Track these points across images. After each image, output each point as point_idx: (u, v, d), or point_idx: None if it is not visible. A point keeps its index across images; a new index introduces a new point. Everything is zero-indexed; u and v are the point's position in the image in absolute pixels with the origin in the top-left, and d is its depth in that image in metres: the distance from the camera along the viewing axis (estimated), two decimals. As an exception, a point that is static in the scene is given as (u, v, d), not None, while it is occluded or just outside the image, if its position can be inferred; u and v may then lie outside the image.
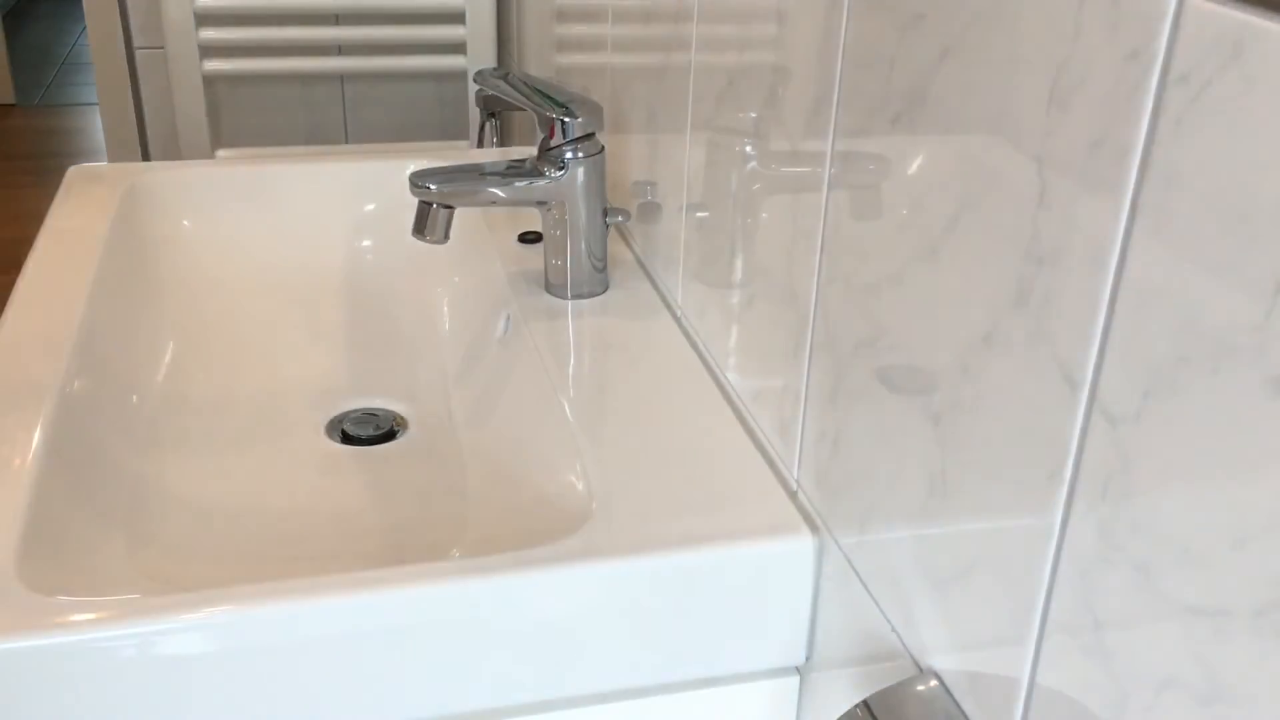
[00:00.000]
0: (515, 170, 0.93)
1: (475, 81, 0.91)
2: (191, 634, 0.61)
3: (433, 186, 0.89)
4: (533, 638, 0.66)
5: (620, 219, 0.97)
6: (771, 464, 0.75)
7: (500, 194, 0.93)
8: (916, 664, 0.59)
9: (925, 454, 0.56)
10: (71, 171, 1.15)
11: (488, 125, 1.79)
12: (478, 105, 1.83)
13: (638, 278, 1.01)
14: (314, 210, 1.15)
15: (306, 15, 1.84)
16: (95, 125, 3.65)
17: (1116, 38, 0.41)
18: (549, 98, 0.93)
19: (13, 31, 4.17)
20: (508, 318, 0.98)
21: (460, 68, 1.89)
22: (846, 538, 0.66)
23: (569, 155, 0.92)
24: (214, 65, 1.82)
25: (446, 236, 0.90)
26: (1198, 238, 0.38)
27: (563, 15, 1.26)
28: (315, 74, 1.88)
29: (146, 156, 1.91)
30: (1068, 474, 0.46)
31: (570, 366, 0.87)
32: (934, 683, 0.57)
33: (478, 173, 0.93)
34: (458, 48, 1.86)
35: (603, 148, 0.93)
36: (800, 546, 0.69)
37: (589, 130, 0.92)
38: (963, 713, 0.55)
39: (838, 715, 0.57)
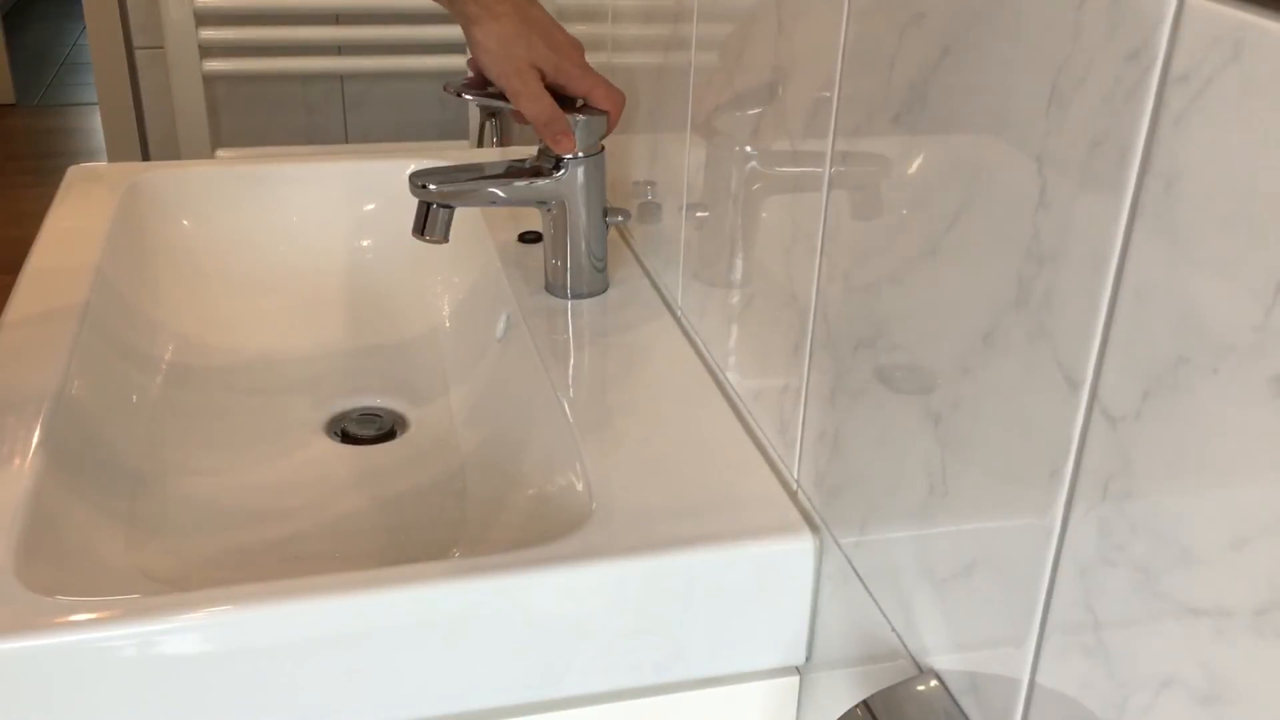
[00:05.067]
0: (515, 170, 0.93)
1: (446, 90, 0.91)
2: (191, 634, 0.61)
3: (433, 186, 0.89)
4: (533, 638, 0.66)
5: (620, 219, 0.97)
6: (771, 464, 0.75)
7: (500, 194, 0.93)
8: (916, 664, 0.59)
9: (925, 454, 0.56)
10: (71, 171, 1.15)
11: (488, 125, 1.79)
12: (477, 106, 1.84)
13: (638, 278, 1.01)
14: (314, 210, 1.15)
15: (306, 15, 1.84)
16: (95, 125, 3.65)
17: (1116, 38, 0.41)
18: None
19: (13, 31, 4.17)
20: (508, 318, 0.98)
21: (460, 68, 1.89)
22: (846, 538, 0.66)
23: (568, 155, 0.92)
24: (214, 65, 1.82)
25: (446, 236, 0.90)
26: (1198, 238, 0.38)
27: (562, 15, 1.26)
28: (315, 74, 1.88)
29: (146, 156, 1.91)
30: (1068, 474, 0.46)
31: (570, 366, 0.87)
32: (934, 683, 0.57)
33: (478, 173, 0.93)
34: (458, 48, 1.86)
35: (603, 148, 0.93)
36: (800, 546, 0.69)
37: (596, 137, 0.92)
38: (963, 713, 0.55)
39: (838, 715, 0.57)
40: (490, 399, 0.95)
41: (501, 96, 0.88)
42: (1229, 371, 0.37)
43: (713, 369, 0.86)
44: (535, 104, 0.86)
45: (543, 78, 0.87)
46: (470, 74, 0.91)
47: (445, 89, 0.91)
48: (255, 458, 0.92)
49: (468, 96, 0.89)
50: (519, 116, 0.89)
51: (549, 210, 0.95)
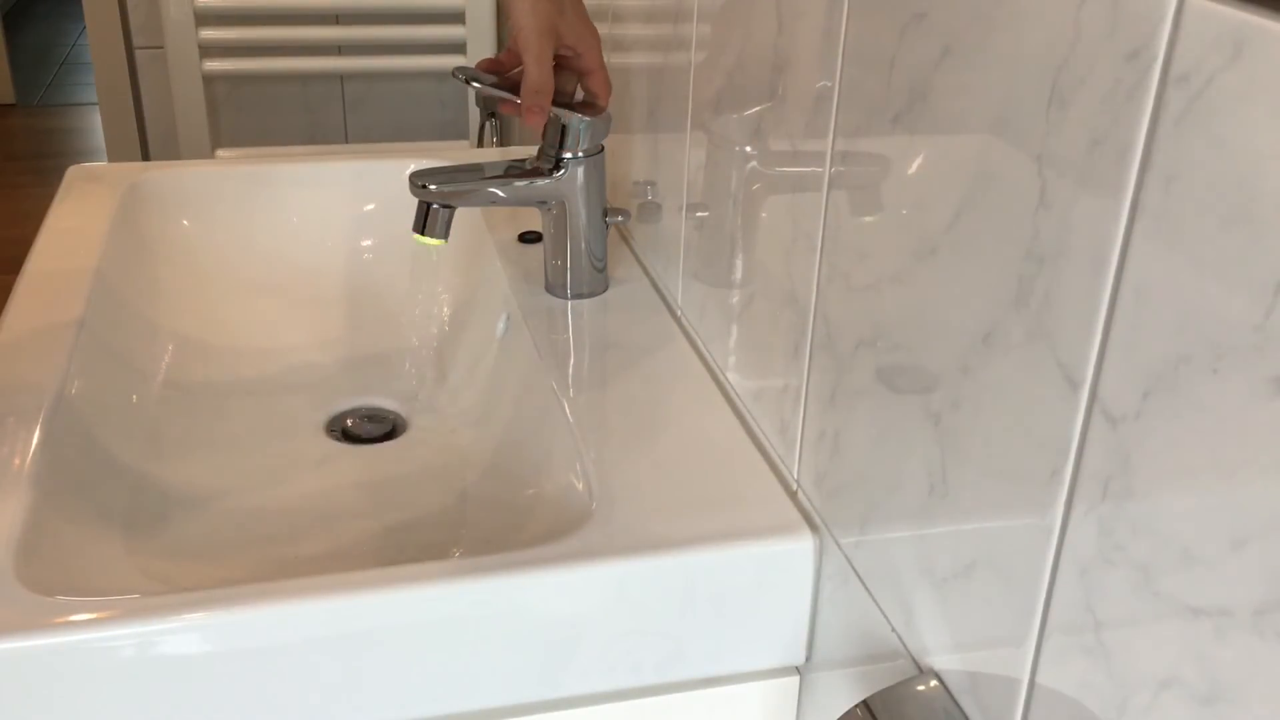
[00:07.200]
0: (515, 170, 0.93)
1: (454, 75, 0.92)
2: (191, 634, 0.61)
3: (433, 186, 0.89)
4: (533, 638, 0.66)
5: (620, 219, 0.97)
6: (771, 464, 0.75)
7: (500, 194, 0.93)
8: (916, 664, 0.59)
9: (925, 454, 0.56)
10: (71, 171, 1.15)
11: (488, 125, 1.79)
12: (478, 105, 1.84)
13: (638, 278, 1.01)
14: (314, 210, 1.15)
15: (306, 15, 1.84)
16: (95, 125, 3.64)
17: (1116, 38, 0.41)
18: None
19: (13, 31, 4.17)
20: (507, 318, 0.98)
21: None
22: (846, 538, 0.66)
23: (569, 155, 0.92)
24: (214, 65, 1.82)
25: (446, 236, 0.90)
26: (1198, 238, 0.38)
27: (563, 15, 1.26)
28: (315, 74, 1.88)
29: (146, 156, 1.91)
30: (1068, 474, 0.46)
31: (570, 366, 0.87)
32: (934, 683, 0.57)
33: (478, 173, 0.93)
34: (458, 48, 1.86)
35: (602, 148, 0.93)
36: (800, 546, 0.69)
37: (598, 140, 0.92)
38: (963, 713, 0.55)
39: (838, 715, 0.57)
40: (490, 399, 0.95)
41: (503, 87, 0.88)
42: (1229, 371, 0.37)
43: (713, 369, 0.86)
44: (537, 67, 0.86)
45: (558, 47, 0.88)
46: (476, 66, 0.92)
47: (454, 74, 0.92)
48: (255, 458, 0.92)
49: (475, 85, 0.90)
50: (511, 107, 0.89)
51: (549, 210, 0.95)
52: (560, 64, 0.89)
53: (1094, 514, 0.44)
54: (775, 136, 0.72)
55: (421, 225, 0.90)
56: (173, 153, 1.88)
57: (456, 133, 1.95)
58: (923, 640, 0.58)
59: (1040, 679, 0.49)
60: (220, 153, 1.86)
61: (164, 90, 1.85)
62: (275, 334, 1.08)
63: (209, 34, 1.79)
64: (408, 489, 0.89)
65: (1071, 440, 0.45)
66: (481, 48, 1.84)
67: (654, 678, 0.69)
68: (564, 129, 0.92)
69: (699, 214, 0.88)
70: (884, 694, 0.57)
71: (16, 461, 0.71)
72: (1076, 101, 0.44)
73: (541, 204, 0.95)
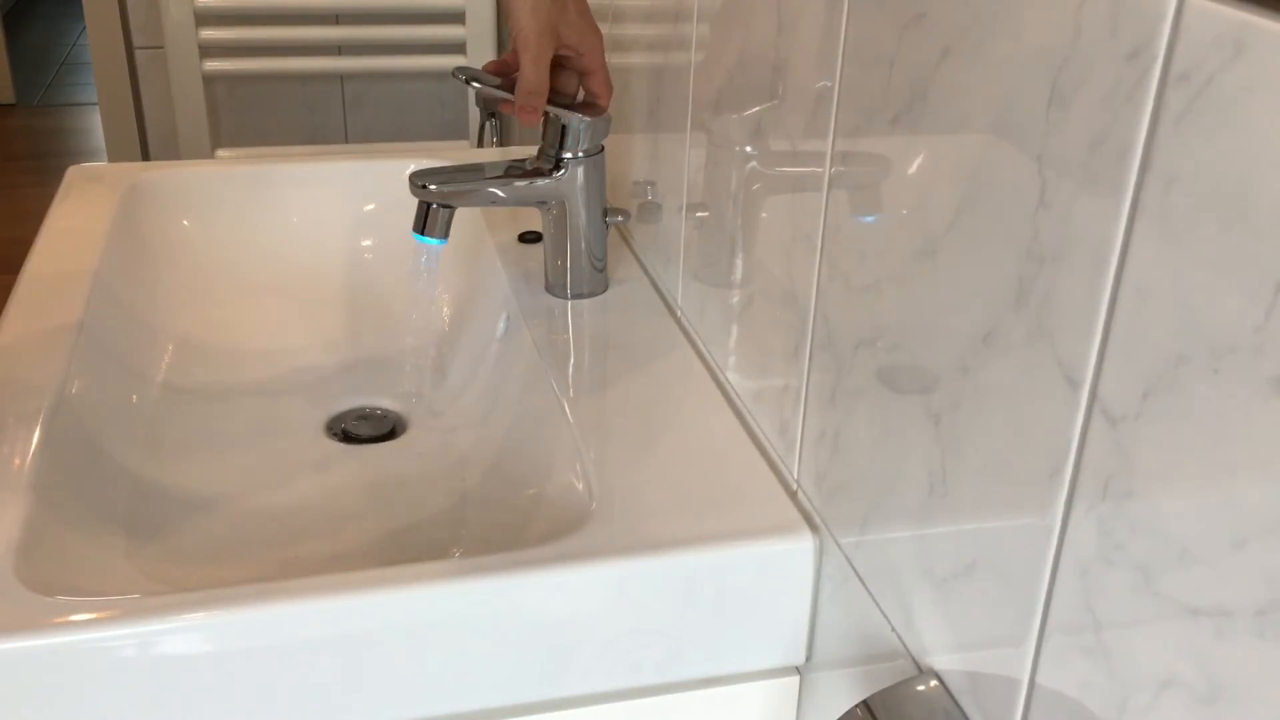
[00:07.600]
0: (515, 170, 0.93)
1: (455, 75, 0.92)
2: (191, 634, 0.61)
3: (433, 186, 0.89)
4: (533, 638, 0.66)
5: (620, 219, 0.97)
6: (771, 464, 0.75)
7: (500, 194, 0.93)
8: (916, 664, 0.59)
9: (925, 454, 0.56)
10: (71, 171, 1.15)
11: (488, 125, 1.79)
12: (478, 105, 1.84)
13: (638, 278, 1.01)
14: (314, 210, 1.15)
15: (306, 15, 1.84)
16: (95, 125, 3.64)
17: (1116, 38, 0.41)
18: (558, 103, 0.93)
19: (13, 31, 4.17)
20: (508, 317, 0.98)
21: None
22: (846, 538, 0.66)
23: (569, 155, 0.92)
24: (214, 65, 1.82)
25: (446, 236, 0.90)
26: (1198, 238, 0.38)
27: (563, 15, 1.26)
28: (315, 74, 1.88)
29: (146, 156, 1.91)
30: (1068, 474, 0.46)
31: (570, 366, 0.87)
32: (934, 683, 0.57)
33: (478, 173, 0.93)
34: (458, 48, 1.86)
35: (602, 147, 0.93)
36: (800, 546, 0.69)
37: (598, 140, 0.92)
38: (963, 713, 0.55)
39: (838, 715, 0.57)
40: (490, 399, 0.95)
41: (504, 88, 0.88)
42: (1229, 371, 0.37)
43: (713, 369, 0.86)
44: (534, 68, 0.86)
45: (557, 48, 0.88)
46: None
47: (454, 74, 0.92)
48: (255, 457, 0.92)
49: (475, 85, 0.90)
50: (511, 106, 0.90)
51: (549, 210, 0.95)
52: (561, 64, 0.89)
53: (1094, 514, 0.44)
54: (775, 136, 0.72)
55: (421, 225, 0.90)
56: (173, 153, 1.88)
57: (456, 133, 1.95)
58: (923, 640, 0.58)
59: (1040, 679, 0.49)
60: (220, 153, 1.86)
61: (164, 90, 1.85)
62: (275, 334, 1.08)
63: (209, 34, 1.79)
64: (408, 489, 0.89)
65: (1071, 440, 0.45)
66: (481, 47, 1.84)
67: (654, 678, 0.69)
68: (564, 129, 0.92)
69: (699, 214, 0.88)
70: (884, 694, 0.57)
71: (16, 462, 0.71)
72: (1076, 101, 0.44)
73: (541, 204, 0.95)
